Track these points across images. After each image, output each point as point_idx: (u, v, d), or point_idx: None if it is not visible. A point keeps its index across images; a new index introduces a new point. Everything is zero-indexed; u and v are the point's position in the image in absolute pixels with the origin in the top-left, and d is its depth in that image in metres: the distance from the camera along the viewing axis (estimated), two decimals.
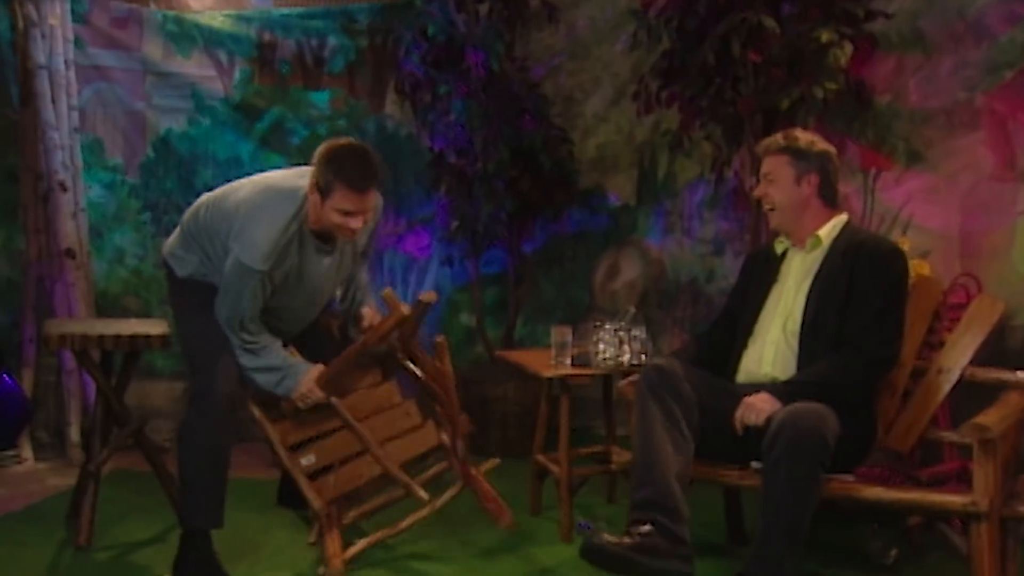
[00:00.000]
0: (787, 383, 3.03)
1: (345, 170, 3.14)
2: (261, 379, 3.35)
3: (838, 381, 3.01)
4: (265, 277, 3.20)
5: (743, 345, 3.26)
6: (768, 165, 3.23)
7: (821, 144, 3.23)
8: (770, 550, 2.80)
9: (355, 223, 3.18)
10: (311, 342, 3.56)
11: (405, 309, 3.28)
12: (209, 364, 3.32)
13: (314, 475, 3.41)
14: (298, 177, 3.32)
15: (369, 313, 3.63)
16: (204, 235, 3.37)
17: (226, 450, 3.36)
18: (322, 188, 3.15)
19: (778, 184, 3.20)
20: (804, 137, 3.23)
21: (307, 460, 3.42)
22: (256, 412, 3.42)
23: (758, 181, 3.30)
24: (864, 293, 3.06)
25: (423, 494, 3.36)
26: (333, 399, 3.38)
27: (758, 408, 2.95)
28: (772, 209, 3.23)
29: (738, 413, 2.99)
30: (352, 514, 3.49)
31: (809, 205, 3.21)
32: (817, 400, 2.90)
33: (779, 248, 3.31)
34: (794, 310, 3.17)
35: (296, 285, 3.35)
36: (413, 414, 3.67)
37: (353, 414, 3.43)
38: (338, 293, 3.68)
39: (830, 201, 3.24)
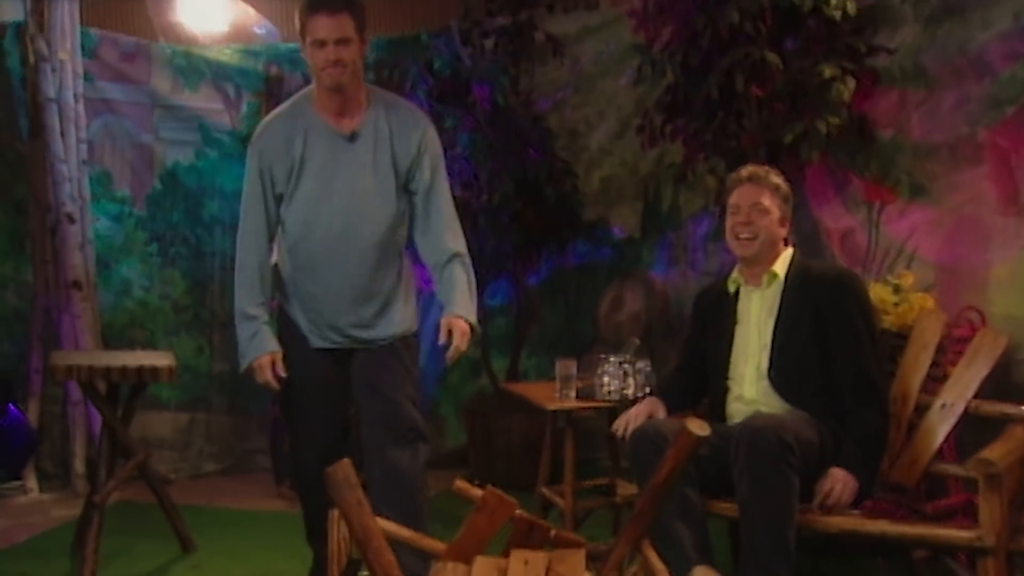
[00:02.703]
0: (843, 456, 3.03)
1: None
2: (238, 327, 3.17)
3: (877, 429, 3.07)
4: (268, 165, 3.10)
5: (723, 390, 3.29)
6: (762, 197, 3.23)
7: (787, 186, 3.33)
8: (757, 564, 2.81)
9: (332, 53, 3.00)
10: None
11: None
12: (293, 430, 3.29)
13: None
14: None
15: (447, 323, 3.12)
16: None
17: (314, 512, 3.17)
18: (302, 31, 3.05)
19: (769, 218, 3.23)
20: (781, 178, 3.31)
21: None
22: None
23: (723, 207, 3.33)
24: (851, 332, 3.11)
25: None
26: None
27: (841, 492, 2.99)
28: (753, 239, 3.21)
29: (824, 494, 2.99)
30: None
31: (780, 244, 3.28)
32: (873, 454, 3.04)
33: (731, 287, 3.34)
34: (765, 347, 3.20)
35: (323, 185, 3.12)
36: None
37: None
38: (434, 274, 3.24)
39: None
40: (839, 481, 2.98)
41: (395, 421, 3.14)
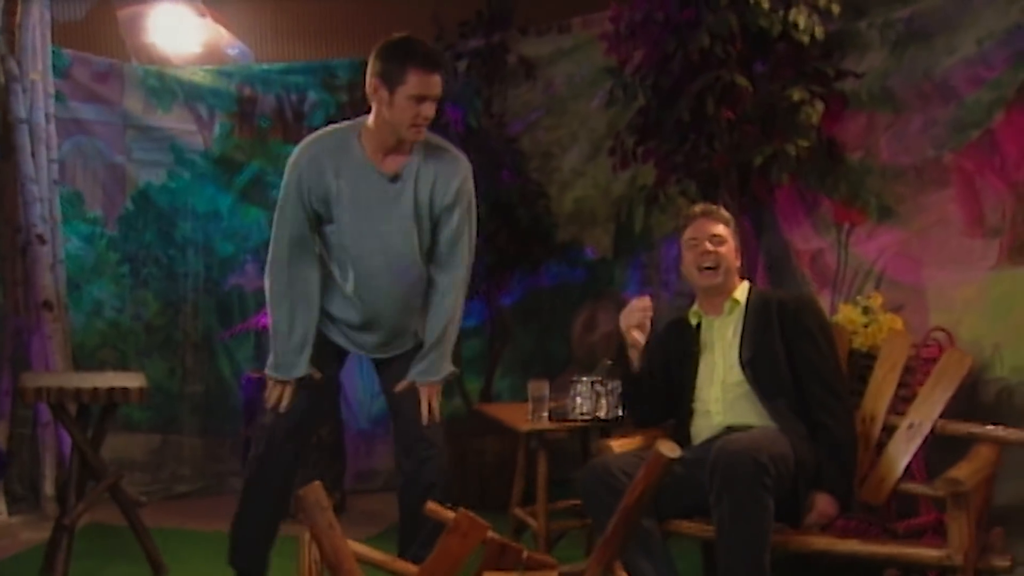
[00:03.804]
0: (820, 477, 3.09)
1: (415, 51, 3.04)
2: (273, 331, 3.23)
3: (847, 441, 3.13)
4: (308, 188, 3.13)
5: (688, 414, 3.35)
6: (720, 230, 3.35)
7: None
8: None
9: (429, 110, 3.05)
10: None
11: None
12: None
13: None
14: None
15: (421, 392, 3.27)
16: None
17: (267, 492, 3.27)
18: (390, 79, 3.03)
19: (727, 247, 3.35)
20: (728, 213, 3.45)
21: None
22: None
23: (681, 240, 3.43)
24: (814, 347, 3.21)
25: None
26: None
27: (826, 513, 3.07)
28: (716, 268, 3.31)
29: (811, 521, 3.07)
30: None
31: (737, 275, 3.39)
32: (848, 466, 3.10)
33: (693, 320, 3.43)
34: (732, 367, 3.26)
35: (359, 221, 3.16)
36: None
37: None
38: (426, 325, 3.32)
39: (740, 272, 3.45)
40: (823, 505, 3.05)
41: (409, 436, 3.30)
